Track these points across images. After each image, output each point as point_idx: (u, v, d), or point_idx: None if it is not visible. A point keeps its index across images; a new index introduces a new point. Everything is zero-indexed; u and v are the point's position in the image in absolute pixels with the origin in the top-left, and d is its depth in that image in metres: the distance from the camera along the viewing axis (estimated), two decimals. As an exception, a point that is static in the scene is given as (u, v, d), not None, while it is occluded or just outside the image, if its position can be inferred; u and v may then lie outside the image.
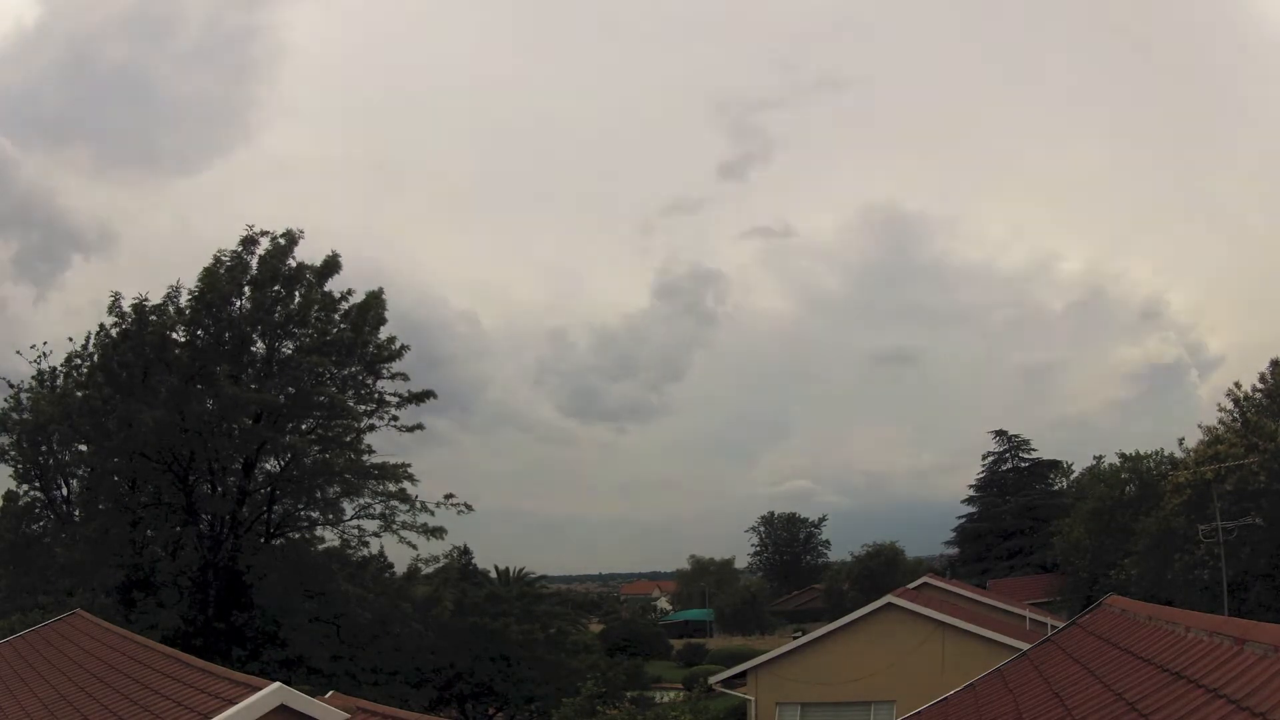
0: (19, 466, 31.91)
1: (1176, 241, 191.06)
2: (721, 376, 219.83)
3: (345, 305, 31.14)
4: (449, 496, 31.67)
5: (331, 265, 31.25)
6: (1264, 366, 38.83)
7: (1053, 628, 19.80)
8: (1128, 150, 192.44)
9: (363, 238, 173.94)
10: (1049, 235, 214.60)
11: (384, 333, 31.76)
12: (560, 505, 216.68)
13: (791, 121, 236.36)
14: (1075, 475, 67.95)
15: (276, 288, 30.34)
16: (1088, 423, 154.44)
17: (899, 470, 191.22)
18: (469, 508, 31.76)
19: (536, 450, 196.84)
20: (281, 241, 30.52)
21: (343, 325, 30.93)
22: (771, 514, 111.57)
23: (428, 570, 34.80)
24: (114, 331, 29.27)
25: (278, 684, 9.18)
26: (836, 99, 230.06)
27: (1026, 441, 75.74)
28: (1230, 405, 38.74)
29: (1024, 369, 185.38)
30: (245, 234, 30.29)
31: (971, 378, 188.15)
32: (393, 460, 31.61)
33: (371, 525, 31.70)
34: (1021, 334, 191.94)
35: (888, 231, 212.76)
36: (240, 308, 30.10)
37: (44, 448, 32.00)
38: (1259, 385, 38.24)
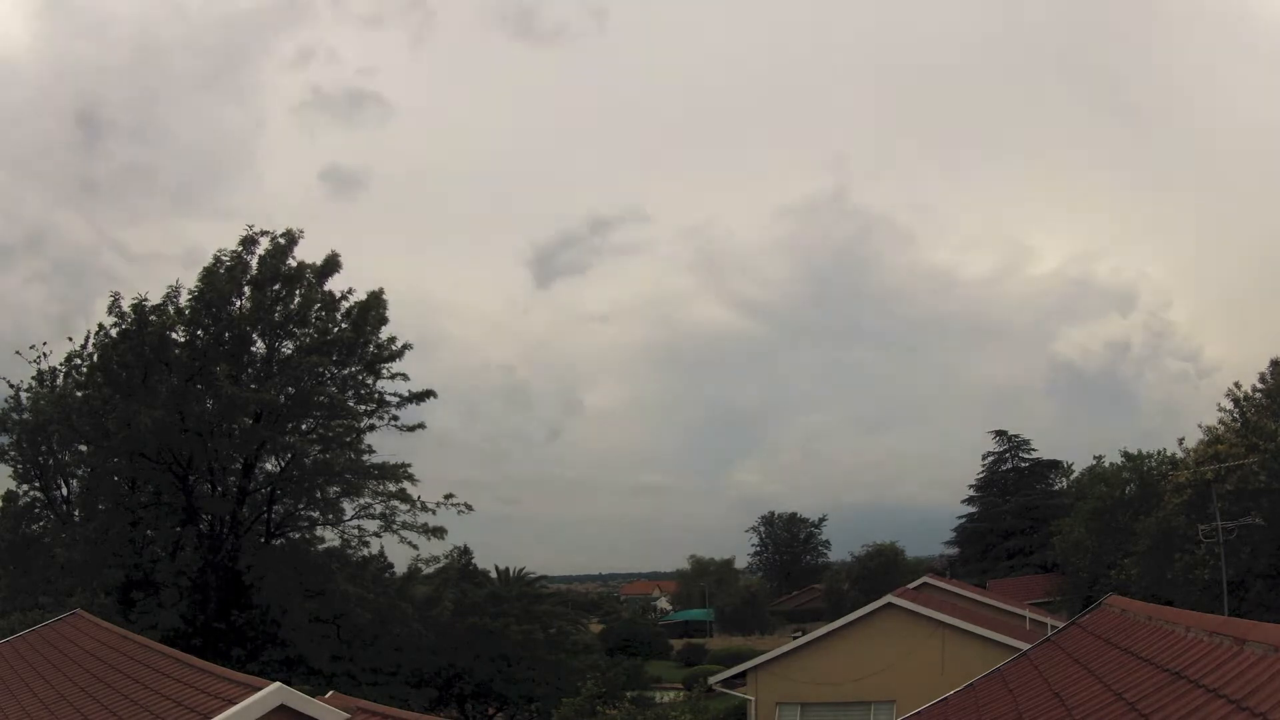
0: (19, 466, 31.89)
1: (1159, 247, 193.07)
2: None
3: (346, 305, 31.15)
4: (449, 496, 31.71)
5: (332, 264, 31.24)
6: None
7: (1053, 628, 19.80)
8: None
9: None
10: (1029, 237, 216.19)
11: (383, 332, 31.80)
12: (560, 506, 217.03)
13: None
14: (1075, 475, 67.90)
15: (276, 287, 30.33)
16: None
17: (900, 470, 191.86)
18: (469, 508, 31.81)
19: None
20: (281, 241, 30.53)
21: (343, 325, 30.91)
22: (772, 514, 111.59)
23: (428, 570, 34.85)
24: (113, 331, 29.26)
25: (278, 684, 9.18)
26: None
27: (1027, 441, 75.86)
28: (1230, 405, 38.72)
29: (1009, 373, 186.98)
30: (245, 234, 30.36)
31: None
32: (393, 460, 31.65)
33: (372, 525, 31.76)
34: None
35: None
36: (240, 307, 30.09)
37: (44, 448, 31.97)
38: (1259, 385, 38.18)
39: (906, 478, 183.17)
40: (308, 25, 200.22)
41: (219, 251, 30.11)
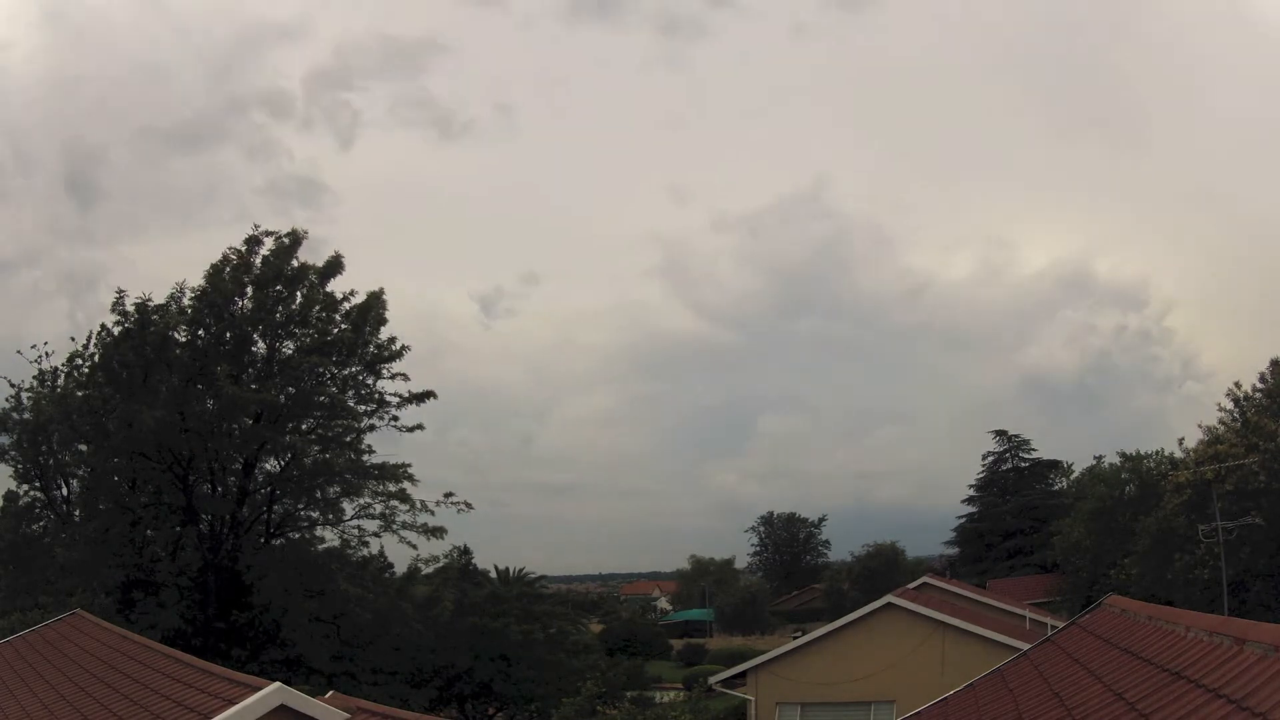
0: (19, 466, 31.86)
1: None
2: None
3: (346, 305, 31.13)
4: (449, 495, 31.69)
5: (334, 266, 31.23)
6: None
7: (1053, 628, 19.80)
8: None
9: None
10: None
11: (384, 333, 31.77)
12: (560, 506, 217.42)
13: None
14: (1075, 475, 67.95)
15: (279, 288, 30.33)
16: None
17: (900, 470, 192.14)
18: (469, 506, 31.80)
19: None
20: (285, 241, 30.52)
21: (343, 325, 30.91)
22: (771, 514, 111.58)
23: (428, 570, 34.74)
24: (115, 331, 29.26)
25: (278, 684, 9.17)
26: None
27: (1027, 441, 75.91)
28: (1230, 405, 38.75)
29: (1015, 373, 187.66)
30: (250, 234, 30.37)
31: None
32: (393, 460, 31.62)
33: (371, 525, 31.67)
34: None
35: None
36: (242, 307, 30.10)
37: (44, 448, 31.93)
38: (1259, 385, 38.20)
39: (906, 478, 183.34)
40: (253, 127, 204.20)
41: (228, 250, 30.16)
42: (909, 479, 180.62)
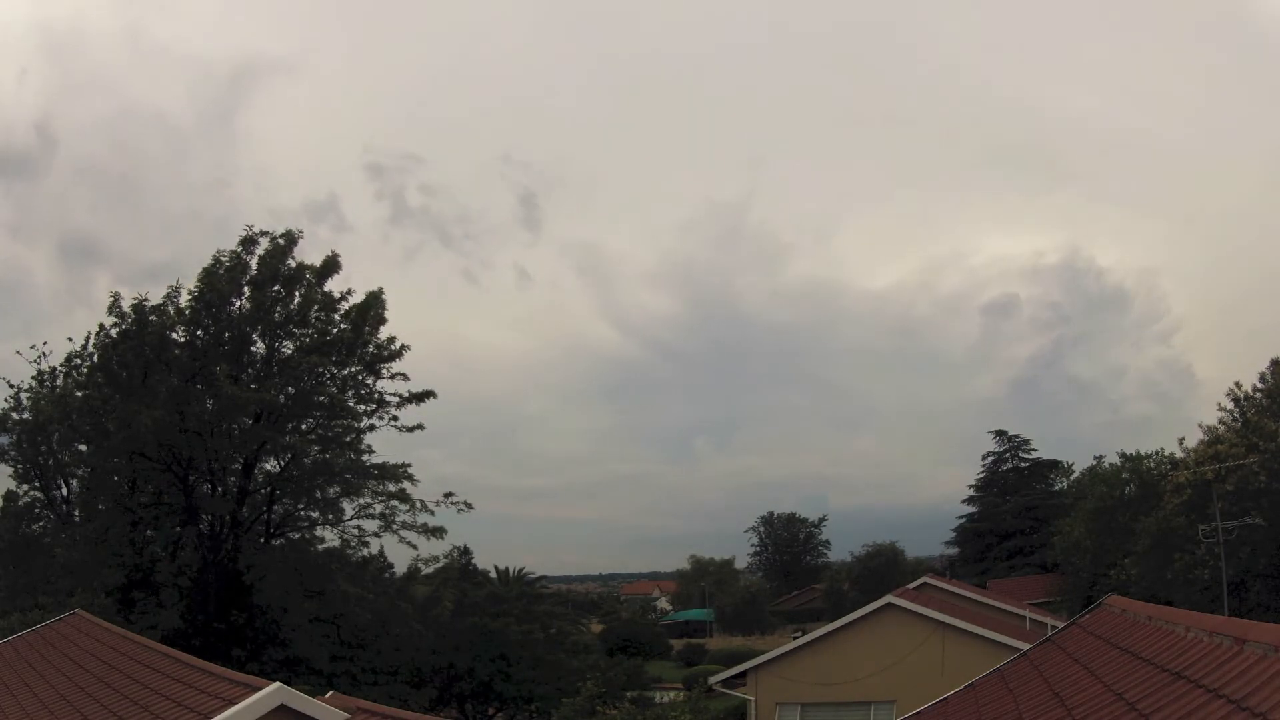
0: (19, 466, 31.90)
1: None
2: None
3: (345, 305, 31.11)
4: (449, 495, 31.68)
5: (331, 265, 31.22)
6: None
7: (1053, 628, 19.80)
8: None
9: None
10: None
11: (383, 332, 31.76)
12: (561, 506, 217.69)
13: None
14: (1075, 475, 67.94)
15: (276, 288, 30.31)
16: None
17: (900, 470, 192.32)
18: (469, 506, 31.79)
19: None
20: (281, 242, 30.51)
21: (343, 325, 30.89)
22: (771, 514, 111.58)
23: (428, 570, 34.76)
24: (114, 331, 29.24)
25: (278, 684, 9.17)
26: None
27: (1027, 441, 75.90)
28: (1230, 405, 38.74)
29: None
30: (244, 234, 30.36)
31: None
32: (393, 460, 31.61)
33: (371, 525, 31.68)
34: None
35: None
36: (240, 308, 30.08)
37: (44, 448, 31.98)
38: (1259, 385, 38.17)
39: (906, 477, 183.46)
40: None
41: (218, 252, 30.16)
42: (910, 478, 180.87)
